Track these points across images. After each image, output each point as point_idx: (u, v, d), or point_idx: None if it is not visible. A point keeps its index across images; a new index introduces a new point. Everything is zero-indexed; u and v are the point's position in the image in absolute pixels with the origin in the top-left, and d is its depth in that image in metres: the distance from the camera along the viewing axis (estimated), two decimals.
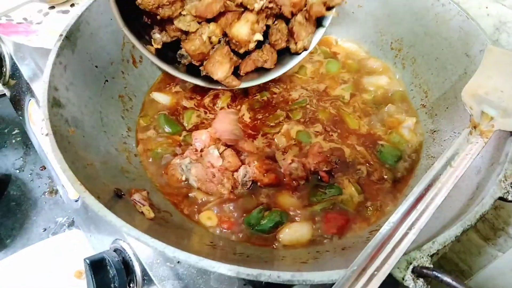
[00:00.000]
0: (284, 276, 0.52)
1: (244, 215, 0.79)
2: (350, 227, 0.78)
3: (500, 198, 0.62)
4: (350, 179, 0.84)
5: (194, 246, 0.69)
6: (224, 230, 0.77)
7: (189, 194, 0.82)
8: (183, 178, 0.83)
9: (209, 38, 0.78)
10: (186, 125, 0.93)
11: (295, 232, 0.76)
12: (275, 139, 0.90)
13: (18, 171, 1.55)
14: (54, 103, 0.72)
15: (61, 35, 0.80)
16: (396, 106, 0.96)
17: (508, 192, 0.63)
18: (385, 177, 0.85)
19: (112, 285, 0.79)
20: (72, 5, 1.27)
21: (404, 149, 0.90)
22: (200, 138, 0.84)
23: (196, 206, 0.80)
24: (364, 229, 0.77)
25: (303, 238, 0.76)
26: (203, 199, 0.81)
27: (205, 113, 0.95)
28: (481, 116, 0.72)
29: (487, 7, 0.88)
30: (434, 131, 0.90)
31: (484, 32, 0.83)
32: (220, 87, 0.88)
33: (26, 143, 1.60)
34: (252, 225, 0.77)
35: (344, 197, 0.81)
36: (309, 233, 0.76)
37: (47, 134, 0.66)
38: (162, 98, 0.99)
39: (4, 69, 1.27)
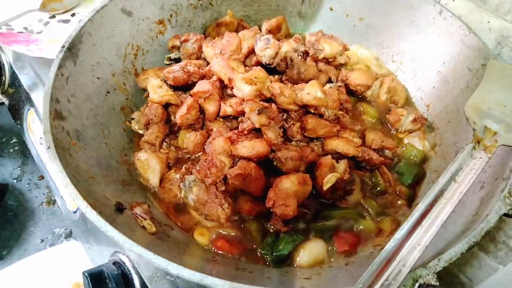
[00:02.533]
0: None
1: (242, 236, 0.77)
2: (361, 244, 0.77)
3: (505, 215, 0.62)
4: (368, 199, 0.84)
5: (196, 261, 0.69)
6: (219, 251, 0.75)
7: (185, 210, 0.81)
8: (181, 195, 0.82)
9: None
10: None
11: (311, 252, 0.74)
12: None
13: (15, 180, 1.53)
14: (56, 116, 0.71)
15: (63, 46, 0.79)
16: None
17: None
18: (399, 194, 0.86)
19: None
20: (73, 14, 1.27)
21: (420, 163, 0.90)
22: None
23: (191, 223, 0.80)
24: (368, 244, 0.77)
25: (320, 256, 0.74)
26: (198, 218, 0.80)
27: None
28: (484, 131, 0.72)
29: (489, 22, 0.88)
30: (436, 144, 0.90)
31: (486, 46, 0.84)
32: None
33: (24, 152, 1.59)
34: (270, 253, 0.74)
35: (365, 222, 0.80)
36: (324, 250, 0.75)
37: (48, 147, 0.65)
38: None
39: (3, 78, 1.26)
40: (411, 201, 0.84)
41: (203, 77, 0.93)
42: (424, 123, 0.93)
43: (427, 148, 0.91)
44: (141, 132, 0.90)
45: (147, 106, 0.91)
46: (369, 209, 0.81)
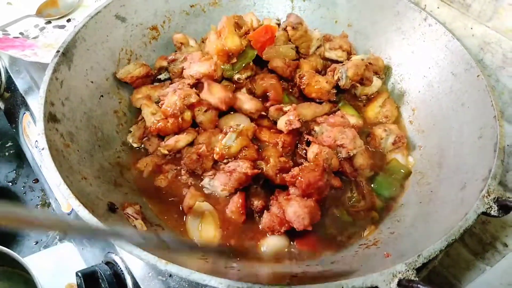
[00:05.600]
0: None
1: None
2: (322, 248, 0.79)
3: (484, 213, 0.64)
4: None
5: (185, 260, 0.70)
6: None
7: None
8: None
9: None
10: None
11: (274, 245, 0.78)
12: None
13: (11, 183, 1.55)
14: (50, 118, 0.74)
15: (58, 51, 0.82)
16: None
17: (491, 207, 0.65)
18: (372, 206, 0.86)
19: None
20: (69, 20, 1.30)
21: (403, 178, 0.90)
22: None
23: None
24: (352, 244, 0.79)
25: (281, 250, 0.77)
26: None
27: None
28: None
29: (472, 28, 0.91)
30: (422, 147, 0.92)
31: (468, 52, 0.86)
32: None
33: (19, 156, 1.61)
34: None
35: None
36: (284, 245, 0.78)
37: (43, 149, 0.67)
38: None
39: None
40: (383, 213, 0.85)
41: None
42: (404, 142, 0.93)
43: (412, 163, 0.92)
44: (135, 145, 0.92)
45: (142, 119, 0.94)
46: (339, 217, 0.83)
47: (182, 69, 0.98)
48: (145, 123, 0.93)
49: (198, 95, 0.91)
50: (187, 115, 0.89)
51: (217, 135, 0.87)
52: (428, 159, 0.88)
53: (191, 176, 0.87)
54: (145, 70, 0.98)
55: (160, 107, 0.91)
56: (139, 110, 0.96)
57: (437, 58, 0.93)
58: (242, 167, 0.80)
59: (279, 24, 1.07)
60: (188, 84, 0.92)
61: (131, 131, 0.93)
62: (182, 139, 0.88)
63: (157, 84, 1.02)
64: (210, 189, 0.84)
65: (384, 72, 1.03)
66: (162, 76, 1.04)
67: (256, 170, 0.80)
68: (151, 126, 0.89)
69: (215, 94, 0.89)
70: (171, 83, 0.99)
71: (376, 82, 1.01)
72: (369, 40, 1.07)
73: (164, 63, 1.03)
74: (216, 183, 0.82)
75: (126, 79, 0.96)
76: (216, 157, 0.85)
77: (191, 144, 0.89)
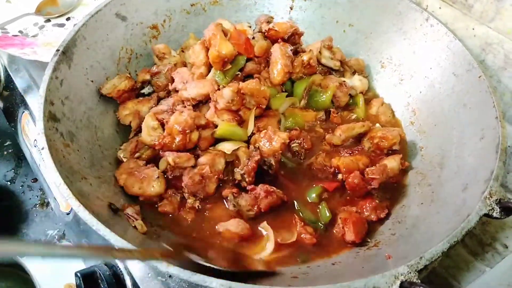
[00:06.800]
0: None
1: None
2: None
3: (486, 215, 0.64)
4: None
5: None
6: None
7: None
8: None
9: None
10: None
11: None
12: None
13: (9, 183, 1.54)
14: (50, 117, 0.73)
15: (58, 50, 0.81)
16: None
17: (493, 209, 0.65)
18: None
19: None
20: (68, 18, 1.29)
21: None
22: None
23: None
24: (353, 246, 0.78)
25: None
26: None
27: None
28: None
29: (473, 29, 0.91)
30: (423, 147, 0.92)
31: (470, 53, 0.86)
32: None
33: (18, 155, 1.60)
34: None
35: None
36: None
37: (42, 148, 0.67)
38: None
39: None
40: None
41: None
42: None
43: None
44: (125, 160, 0.87)
45: (135, 134, 0.92)
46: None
47: (168, 83, 0.96)
48: (137, 138, 0.89)
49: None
50: (195, 135, 0.85)
51: (220, 157, 0.84)
52: (430, 160, 0.88)
53: (197, 199, 0.83)
54: (130, 83, 0.94)
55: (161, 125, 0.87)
56: None
57: (438, 59, 0.93)
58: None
59: (250, 27, 1.07)
60: (190, 105, 0.90)
61: (121, 148, 0.88)
62: (191, 158, 0.84)
63: (141, 98, 0.98)
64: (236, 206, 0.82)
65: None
66: (146, 90, 1.01)
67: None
68: (155, 140, 0.85)
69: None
70: (158, 98, 0.97)
71: (363, 81, 1.04)
72: (370, 39, 1.07)
73: (147, 76, 0.99)
74: (242, 202, 0.80)
75: (112, 94, 0.91)
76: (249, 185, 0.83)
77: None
